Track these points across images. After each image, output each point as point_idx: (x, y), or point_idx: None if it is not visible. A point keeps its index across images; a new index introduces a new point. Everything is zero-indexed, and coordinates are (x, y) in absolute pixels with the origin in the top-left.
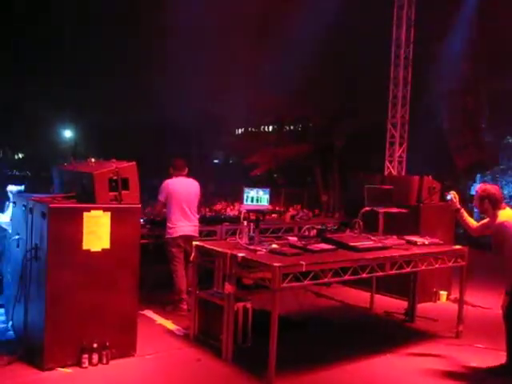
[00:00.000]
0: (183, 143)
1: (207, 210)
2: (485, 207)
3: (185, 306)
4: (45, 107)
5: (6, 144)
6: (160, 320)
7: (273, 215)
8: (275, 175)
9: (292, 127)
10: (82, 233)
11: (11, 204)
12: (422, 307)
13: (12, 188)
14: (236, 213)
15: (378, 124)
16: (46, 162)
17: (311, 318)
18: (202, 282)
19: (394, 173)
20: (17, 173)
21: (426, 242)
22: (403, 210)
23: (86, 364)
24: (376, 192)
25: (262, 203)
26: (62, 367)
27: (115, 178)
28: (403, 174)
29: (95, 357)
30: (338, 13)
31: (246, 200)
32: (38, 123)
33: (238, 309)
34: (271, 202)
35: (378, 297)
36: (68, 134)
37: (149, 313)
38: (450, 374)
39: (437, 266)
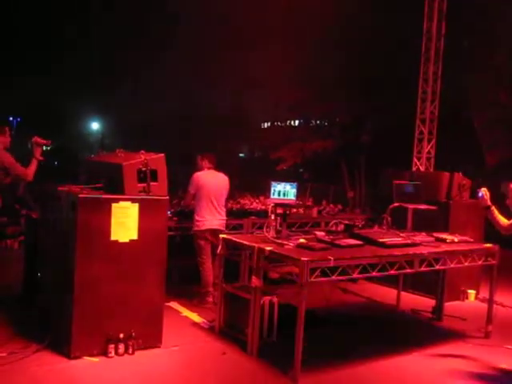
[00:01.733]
0: (209, 136)
1: (233, 203)
2: None
3: (211, 299)
4: (73, 99)
5: (34, 136)
6: (186, 312)
7: (299, 210)
8: (301, 170)
9: (318, 122)
10: (110, 223)
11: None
12: (450, 306)
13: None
14: (261, 206)
15: (405, 120)
16: (73, 153)
17: (337, 314)
18: (228, 275)
19: (422, 169)
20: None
21: (456, 240)
22: (432, 207)
23: (112, 354)
24: (405, 188)
25: (289, 197)
26: (89, 356)
27: (144, 169)
28: (431, 170)
29: (121, 347)
30: (365, 7)
31: (273, 194)
32: (66, 115)
33: (264, 303)
34: (297, 196)
35: (404, 294)
36: (95, 125)
37: (175, 305)
38: (478, 376)
39: (466, 264)
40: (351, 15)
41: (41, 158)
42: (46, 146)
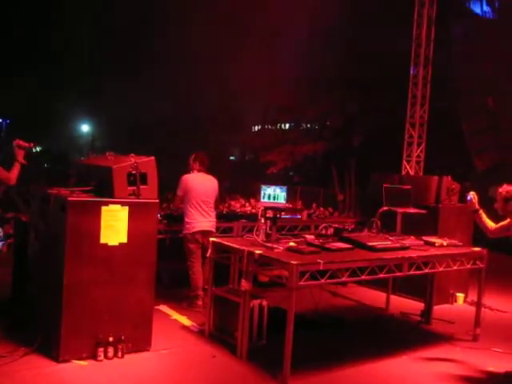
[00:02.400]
0: (200, 139)
1: (224, 206)
2: (509, 209)
3: (200, 302)
4: (62, 101)
5: (24, 138)
6: (175, 316)
7: (289, 213)
8: (291, 173)
9: (309, 125)
10: (99, 226)
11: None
12: (439, 309)
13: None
14: (251, 209)
15: (395, 124)
16: (63, 155)
17: (327, 317)
18: (218, 279)
19: (412, 173)
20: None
21: (445, 243)
22: (421, 211)
23: (102, 357)
24: (394, 192)
25: (279, 201)
26: (78, 360)
27: (134, 172)
28: (421, 174)
29: (111, 350)
30: (359, 12)
31: (263, 197)
32: (56, 117)
33: (253, 306)
34: (287, 199)
35: (394, 297)
36: (85, 128)
37: (164, 308)
38: (466, 378)
39: (455, 267)
40: (341, 16)
41: (23, 162)
42: (29, 148)
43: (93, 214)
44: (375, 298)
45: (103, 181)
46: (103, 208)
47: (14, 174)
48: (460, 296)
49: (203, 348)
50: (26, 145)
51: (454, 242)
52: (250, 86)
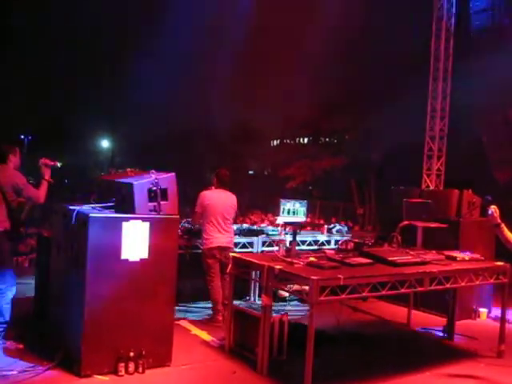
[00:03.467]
0: (219, 154)
1: (244, 220)
2: None
3: (220, 317)
4: (83, 118)
5: (45, 154)
6: (195, 331)
7: (308, 228)
8: (310, 187)
9: (328, 139)
10: (120, 242)
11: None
12: (462, 324)
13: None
14: (271, 224)
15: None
16: (83, 171)
17: (347, 333)
18: (238, 294)
19: (432, 186)
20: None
21: (466, 258)
22: (442, 225)
23: (123, 372)
24: (414, 206)
25: (299, 216)
26: (99, 375)
27: (154, 188)
28: (441, 187)
29: (131, 365)
30: (375, 26)
31: (283, 212)
32: (76, 133)
33: (273, 321)
34: (307, 214)
35: (415, 313)
36: (105, 144)
37: (184, 323)
38: None
39: (477, 282)
40: (361, 30)
41: (50, 180)
42: (55, 166)
43: (114, 230)
44: (396, 313)
45: (124, 197)
46: (124, 224)
47: (43, 192)
48: (483, 311)
49: (223, 363)
50: (52, 163)
51: (475, 256)
52: (269, 101)
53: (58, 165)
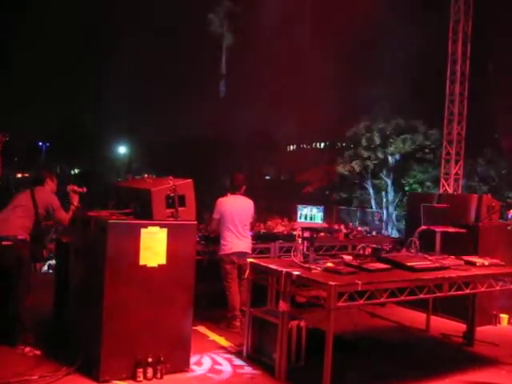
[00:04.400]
0: (235, 159)
1: (260, 226)
2: None
3: (238, 323)
4: (100, 124)
5: (62, 160)
6: (213, 336)
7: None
8: (327, 192)
9: (344, 144)
10: (139, 248)
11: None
12: (482, 330)
13: (74, 188)
14: (288, 230)
15: (432, 141)
16: (101, 177)
17: (366, 339)
18: (256, 300)
19: (450, 191)
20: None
21: (486, 263)
22: (461, 230)
23: (141, 378)
24: (432, 211)
25: (316, 221)
26: (118, 380)
27: (172, 194)
28: (459, 192)
29: (150, 371)
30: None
31: (300, 217)
32: (93, 140)
33: (291, 327)
34: (324, 219)
35: (434, 318)
36: (122, 150)
37: (202, 329)
38: None
39: (498, 287)
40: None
41: (79, 205)
42: (82, 192)
43: (132, 236)
44: (415, 318)
45: (142, 203)
46: (142, 230)
47: (69, 216)
48: (504, 317)
49: (241, 369)
50: (80, 190)
51: (495, 261)
52: (285, 106)
53: (85, 191)
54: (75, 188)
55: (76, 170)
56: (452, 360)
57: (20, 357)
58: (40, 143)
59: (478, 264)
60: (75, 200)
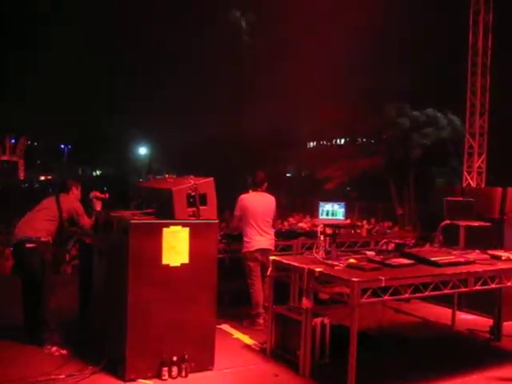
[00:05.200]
0: (256, 157)
1: (282, 223)
2: None
3: (261, 321)
4: (120, 126)
5: (84, 162)
6: (237, 334)
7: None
8: (348, 188)
9: (365, 139)
10: (161, 248)
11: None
12: (509, 325)
13: (97, 195)
14: (309, 226)
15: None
16: (122, 178)
17: (390, 335)
18: (279, 297)
19: (474, 184)
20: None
21: None
22: (485, 224)
23: (166, 376)
24: (456, 205)
25: (338, 217)
26: (143, 379)
27: (193, 193)
28: (483, 185)
29: (175, 369)
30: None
31: (321, 214)
32: (114, 141)
33: (315, 324)
34: (346, 216)
35: (460, 314)
36: (143, 151)
37: (226, 327)
38: None
39: None
40: (396, 29)
41: (101, 211)
42: (105, 199)
43: (154, 236)
44: (440, 314)
45: (164, 203)
46: (164, 229)
47: (92, 222)
48: None
49: (265, 366)
50: (102, 196)
51: None
52: (305, 103)
53: (106, 198)
54: (98, 194)
55: (98, 172)
56: (479, 356)
57: (47, 356)
58: (62, 146)
59: (503, 258)
60: (98, 206)
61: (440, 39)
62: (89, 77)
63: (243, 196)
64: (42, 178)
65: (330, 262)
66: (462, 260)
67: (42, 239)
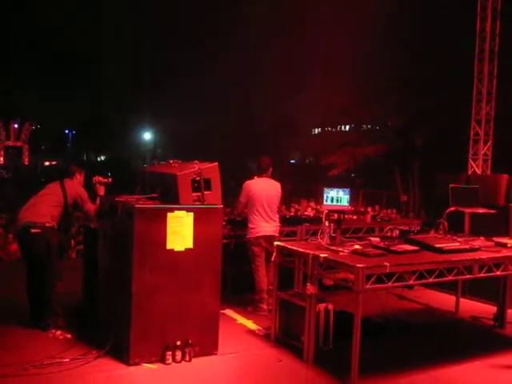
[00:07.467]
0: (260, 143)
1: (286, 209)
2: None
3: (265, 306)
4: (125, 112)
5: (89, 148)
6: (241, 319)
7: (353, 216)
8: (353, 175)
9: (370, 126)
10: (166, 233)
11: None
12: None
13: (100, 180)
14: (313, 212)
15: (460, 122)
16: (126, 163)
17: (394, 321)
18: (283, 283)
19: (479, 171)
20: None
21: None
22: (491, 211)
23: (170, 361)
24: (461, 192)
25: (342, 203)
26: (147, 363)
27: (198, 178)
28: (488, 172)
29: (178, 354)
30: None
31: (326, 200)
32: (119, 126)
33: (319, 310)
34: (351, 202)
35: (463, 300)
36: (147, 136)
37: (230, 312)
38: None
39: None
40: (402, 16)
41: (105, 196)
42: (108, 183)
43: (159, 221)
44: (444, 301)
45: (168, 188)
46: (169, 214)
47: (96, 207)
48: None
49: (269, 352)
50: (105, 180)
51: None
52: (310, 89)
53: (111, 182)
54: (101, 179)
55: (102, 157)
56: (482, 342)
57: (52, 340)
58: (66, 131)
59: (508, 245)
60: (101, 191)
61: (447, 27)
62: (94, 62)
63: (248, 182)
64: (47, 163)
65: (334, 247)
66: (466, 247)
67: (47, 224)
